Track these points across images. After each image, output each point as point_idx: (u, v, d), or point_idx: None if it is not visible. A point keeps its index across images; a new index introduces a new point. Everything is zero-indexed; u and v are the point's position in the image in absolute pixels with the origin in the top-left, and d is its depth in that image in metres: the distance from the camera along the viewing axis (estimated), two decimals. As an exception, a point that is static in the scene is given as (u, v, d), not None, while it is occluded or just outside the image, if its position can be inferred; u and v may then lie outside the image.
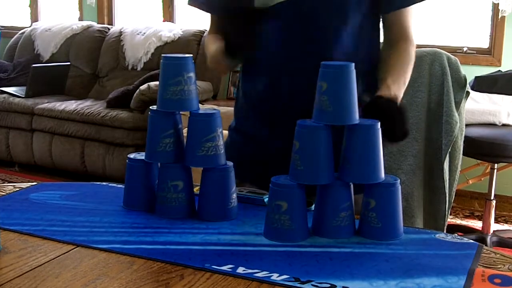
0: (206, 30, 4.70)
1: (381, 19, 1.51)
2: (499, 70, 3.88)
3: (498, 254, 1.10)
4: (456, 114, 2.56)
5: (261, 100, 1.50)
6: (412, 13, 1.50)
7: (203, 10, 1.54)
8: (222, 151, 1.26)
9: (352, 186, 1.19)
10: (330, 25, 1.42)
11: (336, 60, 1.37)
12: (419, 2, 1.48)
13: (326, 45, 1.42)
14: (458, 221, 3.83)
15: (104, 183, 1.49)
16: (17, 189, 1.43)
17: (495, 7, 3.97)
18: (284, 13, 1.42)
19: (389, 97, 1.37)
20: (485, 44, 4.12)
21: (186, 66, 1.24)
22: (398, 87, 1.43)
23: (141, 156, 1.30)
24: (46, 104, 4.66)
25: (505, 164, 3.48)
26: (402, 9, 1.48)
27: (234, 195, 1.27)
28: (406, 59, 1.50)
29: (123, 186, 1.46)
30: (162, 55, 1.27)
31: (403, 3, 1.47)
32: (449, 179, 2.58)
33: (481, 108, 3.44)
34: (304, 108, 1.27)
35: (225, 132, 1.58)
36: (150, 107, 1.28)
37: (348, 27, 1.42)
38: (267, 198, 1.31)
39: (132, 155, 1.32)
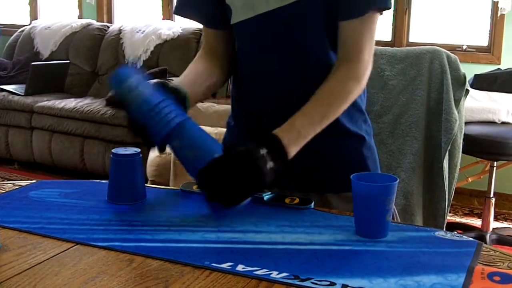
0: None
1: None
2: (499, 68, 3.88)
3: (498, 252, 1.10)
4: (455, 112, 2.57)
5: (248, 104, 1.50)
6: (368, 32, 1.33)
7: (191, 19, 1.53)
8: None
9: None
10: (296, 36, 1.37)
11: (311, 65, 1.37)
12: (372, 11, 1.31)
13: (292, 55, 1.39)
14: (457, 219, 3.84)
15: (103, 181, 1.49)
16: (17, 187, 1.43)
17: (495, 5, 3.97)
18: (249, 29, 1.40)
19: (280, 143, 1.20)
20: (484, 42, 4.12)
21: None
22: (303, 129, 1.25)
23: (125, 150, 1.32)
24: (46, 102, 4.66)
25: (504, 162, 3.49)
26: (355, 23, 1.32)
27: None
28: (341, 88, 1.32)
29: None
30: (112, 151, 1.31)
31: (354, 13, 1.32)
32: (448, 177, 2.59)
33: (481, 106, 3.44)
34: (292, 105, 1.28)
35: (224, 130, 1.59)
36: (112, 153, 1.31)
37: (315, 36, 1.37)
38: (267, 196, 1.31)
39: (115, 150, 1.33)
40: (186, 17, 1.51)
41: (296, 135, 1.24)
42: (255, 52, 1.43)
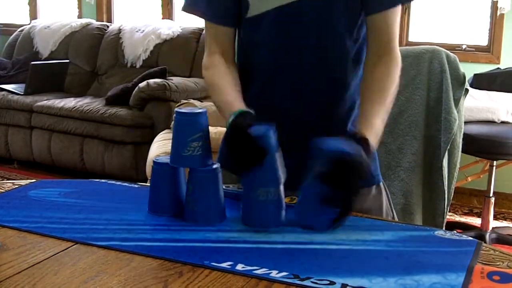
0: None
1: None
2: (498, 68, 3.88)
3: (497, 251, 1.10)
4: (455, 111, 2.57)
5: (253, 102, 1.49)
6: (398, 22, 1.38)
7: (202, 17, 1.49)
8: (208, 152, 1.23)
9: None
10: (320, 28, 1.38)
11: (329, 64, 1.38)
12: (406, 2, 1.40)
13: (320, 48, 1.39)
14: (457, 218, 3.84)
15: (103, 180, 1.49)
16: (16, 186, 1.43)
17: (494, 5, 3.97)
18: (274, 19, 1.39)
19: (366, 145, 1.21)
20: (484, 41, 4.12)
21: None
22: (379, 128, 1.31)
23: (166, 159, 1.25)
24: (45, 102, 4.65)
25: (504, 161, 3.49)
26: (387, 15, 1.36)
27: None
28: (390, 82, 1.37)
29: (122, 184, 1.46)
30: (176, 109, 1.23)
31: (387, 4, 1.36)
32: (448, 176, 2.59)
33: (480, 105, 3.44)
34: (307, 99, 1.30)
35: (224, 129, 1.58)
36: (176, 109, 1.24)
37: (341, 31, 1.38)
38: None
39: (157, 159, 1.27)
40: (196, 15, 1.48)
41: (376, 132, 1.29)
42: (270, 45, 1.41)
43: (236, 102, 1.33)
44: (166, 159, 1.25)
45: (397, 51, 1.39)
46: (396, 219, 1.57)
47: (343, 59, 1.39)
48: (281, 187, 1.20)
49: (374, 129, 1.29)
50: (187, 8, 1.48)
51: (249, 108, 1.30)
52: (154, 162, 1.26)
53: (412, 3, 4.27)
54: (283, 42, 1.40)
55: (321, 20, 1.37)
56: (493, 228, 3.45)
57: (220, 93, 1.40)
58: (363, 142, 1.20)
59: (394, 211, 1.55)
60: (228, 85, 1.40)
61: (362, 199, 1.44)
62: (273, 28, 1.39)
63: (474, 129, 3.23)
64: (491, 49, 4.05)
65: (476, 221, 3.75)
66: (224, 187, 1.27)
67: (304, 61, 1.39)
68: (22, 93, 4.79)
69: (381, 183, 1.50)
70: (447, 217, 2.73)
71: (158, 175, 1.26)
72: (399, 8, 1.37)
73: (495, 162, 3.37)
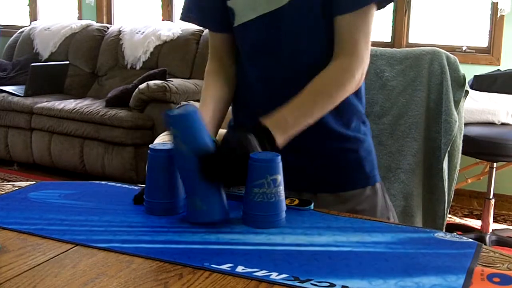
0: (205, 30, 4.70)
1: None
2: (498, 69, 3.88)
3: (497, 253, 1.10)
4: (455, 113, 2.56)
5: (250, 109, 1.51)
6: (363, 26, 1.34)
7: (197, 24, 1.56)
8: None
9: None
10: (297, 34, 1.39)
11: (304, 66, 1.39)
12: (367, 5, 1.32)
13: (295, 53, 1.40)
14: (457, 220, 3.84)
15: (103, 182, 1.49)
16: (16, 188, 1.43)
17: (494, 6, 3.97)
18: (254, 27, 1.42)
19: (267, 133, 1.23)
20: (484, 43, 4.12)
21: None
22: (290, 118, 1.28)
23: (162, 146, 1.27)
24: (45, 103, 4.66)
25: (504, 163, 3.49)
26: (350, 17, 1.33)
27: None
28: (333, 79, 1.33)
29: (122, 185, 1.46)
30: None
31: (349, 7, 1.32)
32: (448, 178, 2.59)
33: (480, 107, 3.44)
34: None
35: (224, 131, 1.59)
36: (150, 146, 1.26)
37: (316, 31, 1.38)
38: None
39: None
40: (192, 23, 1.53)
41: (283, 122, 1.27)
42: (257, 53, 1.44)
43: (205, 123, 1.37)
44: (161, 145, 1.27)
45: (360, 57, 1.34)
46: (396, 219, 1.57)
47: (325, 63, 1.38)
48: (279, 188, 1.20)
49: (282, 118, 1.28)
50: (183, 16, 1.53)
51: (245, 113, 1.34)
52: (150, 149, 1.27)
53: (412, 4, 4.29)
54: (266, 50, 1.42)
55: (300, 25, 1.37)
56: (493, 230, 3.45)
57: (201, 108, 1.46)
58: (263, 134, 1.22)
59: (393, 212, 1.55)
60: (208, 98, 1.46)
61: (355, 200, 1.45)
62: (256, 36, 1.42)
63: (474, 130, 3.23)
64: (491, 51, 4.05)
65: (476, 223, 3.75)
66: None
67: (288, 68, 1.41)
68: (22, 95, 4.79)
69: (377, 184, 1.50)
70: (447, 219, 2.73)
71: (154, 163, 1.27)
72: (366, 13, 1.33)
73: (495, 164, 3.37)
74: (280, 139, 1.25)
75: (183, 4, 1.53)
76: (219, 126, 1.46)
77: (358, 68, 1.34)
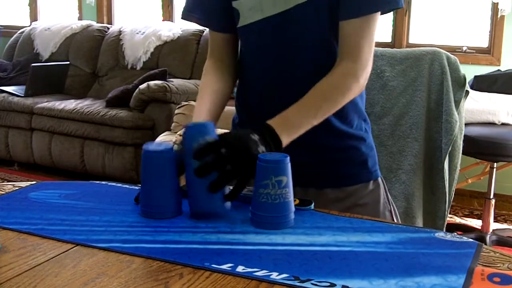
0: (205, 30, 4.70)
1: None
2: (499, 69, 3.88)
3: (498, 253, 1.10)
4: (455, 113, 2.57)
5: (254, 109, 1.51)
6: (368, 31, 1.34)
7: (200, 24, 1.55)
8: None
9: None
10: (303, 37, 1.39)
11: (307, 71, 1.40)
12: (373, 12, 1.33)
13: (301, 56, 1.41)
14: (457, 220, 3.84)
15: (103, 182, 1.49)
16: (17, 188, 1.43)
17: (495, 6, 3.97)
18: (260, 30, 1.42)
19: (272, 134, 1.24)
20: (484, 43, 4.12)
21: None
22: (295, 119, 1.30)
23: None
24: (46, 103, 4.66)
25: (504, 163, 3.49)
26: (356, 23, 1.34)
27: None
28: (338, 84, 1.34)
29: (123, 185, 1.46)
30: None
31: (356, 13, 1.33)
32: (448, 178, 2.59)
33: (481, 107, 3.44)
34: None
35: (225, 130, 1.59)
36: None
37: (322, 36, 1.39)
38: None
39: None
40: (194, 22, 1.53)
41: (289, 124, 1.28)
42: (261, 55, 1.44)
43: (201, 114, 1.41)
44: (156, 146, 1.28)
45: (364, 62, 1.35)
46: (397, 214, 1.58)
47: (329, 67, 1.38)
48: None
49: (288, 120, 1.29)
50: (185, 15, 1.52)
51: (250, 114, 1.35)
52: (143, 149, 1.29)
53: (412, 5, 4.29)
54: (270, 52, 1.42)
55: (306, 28, 1.38)
56: (493, 230, 3.45)
57: (197, 102, 1.47)
58: (268, 133, 1.24)
59: (393, 205, 1.56)
60: (205, 95, 1.46)
61: (359, 194, 1.47)
62: (261, 38, 1.42)
63: (475, 131, 3.23)
64: (491, 51, 4.05)
65: (476, 223, 3.75)
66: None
67: (291, 70, 1.41)
68: (23, 95, 4.80)
69: (379, 178, 1.53)
70: (448, 219, 2.73)
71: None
72: (371, 18, 1.34)
73: (495, 164, 3.37)
74: (285, 140, 1.26)
75: (184, 3, 1.53)
76: (216, 119, 1.46)
77: (362, 73, 1.35)
